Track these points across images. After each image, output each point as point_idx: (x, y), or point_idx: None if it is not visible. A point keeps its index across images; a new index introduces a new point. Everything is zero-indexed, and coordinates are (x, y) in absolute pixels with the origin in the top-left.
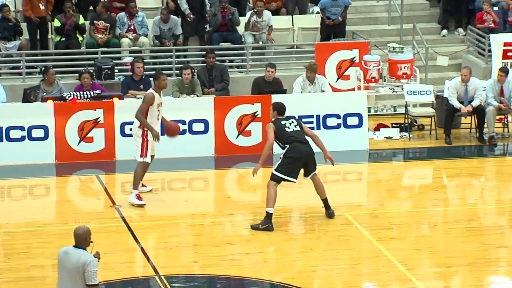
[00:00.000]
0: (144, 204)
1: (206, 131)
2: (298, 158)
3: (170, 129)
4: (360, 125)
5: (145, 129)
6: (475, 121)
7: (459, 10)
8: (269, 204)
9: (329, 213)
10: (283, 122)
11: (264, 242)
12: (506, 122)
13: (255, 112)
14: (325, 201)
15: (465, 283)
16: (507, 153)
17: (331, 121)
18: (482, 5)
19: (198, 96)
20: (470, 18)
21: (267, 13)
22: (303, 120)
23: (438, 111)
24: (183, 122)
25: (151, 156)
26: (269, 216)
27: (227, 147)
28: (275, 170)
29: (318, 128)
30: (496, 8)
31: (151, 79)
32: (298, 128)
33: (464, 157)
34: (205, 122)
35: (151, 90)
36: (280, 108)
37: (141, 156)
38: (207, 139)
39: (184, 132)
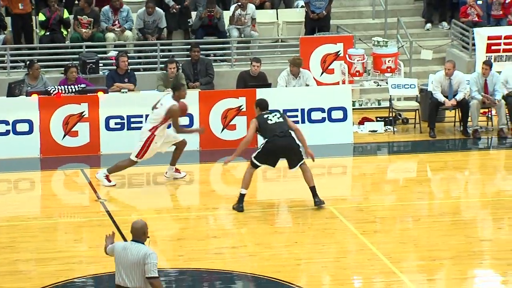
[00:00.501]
0: (114, 185)
1: (190, 125)
2: (274, 151)
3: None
4: (344, 118)
5: (153, 134)
6: (459, 115)
7: (443, 3)
8: (242, 185)
9: (316, 201)
10: (265, 116)
11: (249, 235)
12: (490, 115)
13: (240, 106)
14: (312, 188)
15: (449, 276)
16: (491, 146)
17: (315, 115)
18: None
19: None
20: (454, 11)
21: (251, 6)
22: (288, 114)
23: (422, 104)
24: None
25: (180, 142)
26: (240, 196)
27: (212, 141)
28: (254, 156)
29: (303, 122)
30: (480, 2)
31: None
32: (281, 119)
33: (448, 151)
34: (190, 116)
35: (172, 102)
36: (262, 105)
37: (136, 156)
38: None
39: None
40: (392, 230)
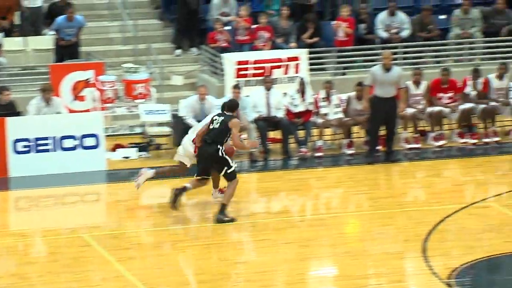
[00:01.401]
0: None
1: None
2: (199, 159)
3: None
4: (97, 145)
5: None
6: None
7: (192, 29)
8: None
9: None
10: (214, 118)
11: (1, 267)
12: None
13: None
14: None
15: None
16: (242, 169)
17: (67, 143)
18: (214, 24)
19: None
20: (203, 37)
21: None
22: (39, 142)
23: (174, 130)
24: None
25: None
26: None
27: None
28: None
29: (55, 150)
30: (228, 28)
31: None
32: (217, 126)
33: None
34: None
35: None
36: (228, 105)
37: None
38: None
39: None
40: (148, 256)
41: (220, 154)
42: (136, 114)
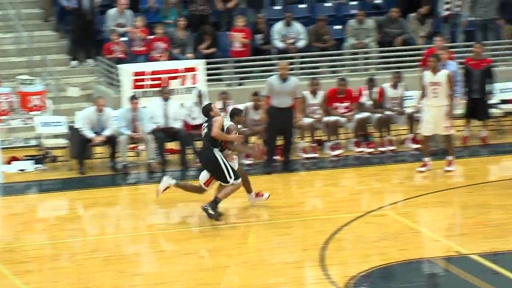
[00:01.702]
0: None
1: None
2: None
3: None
4: None
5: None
6: (109, 150)
7: (87, 41)
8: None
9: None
10: (203, 127)
11: None
12: (138, 150)
13: None
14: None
15: None
16: (140, 181)
17: None
18: (110, 35)
19: None
20: (99, 48)
21: None
22: None
23: (71, 142)
24: None
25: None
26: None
27: None
28: None
29: None
30: (124, 39)
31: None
32: (206, 130)
33: (99, 187)
34: None
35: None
36: (203, 111)
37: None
38: None
39: None
40: (45, 269)
41: (220, 160)
42: (31, 126)
